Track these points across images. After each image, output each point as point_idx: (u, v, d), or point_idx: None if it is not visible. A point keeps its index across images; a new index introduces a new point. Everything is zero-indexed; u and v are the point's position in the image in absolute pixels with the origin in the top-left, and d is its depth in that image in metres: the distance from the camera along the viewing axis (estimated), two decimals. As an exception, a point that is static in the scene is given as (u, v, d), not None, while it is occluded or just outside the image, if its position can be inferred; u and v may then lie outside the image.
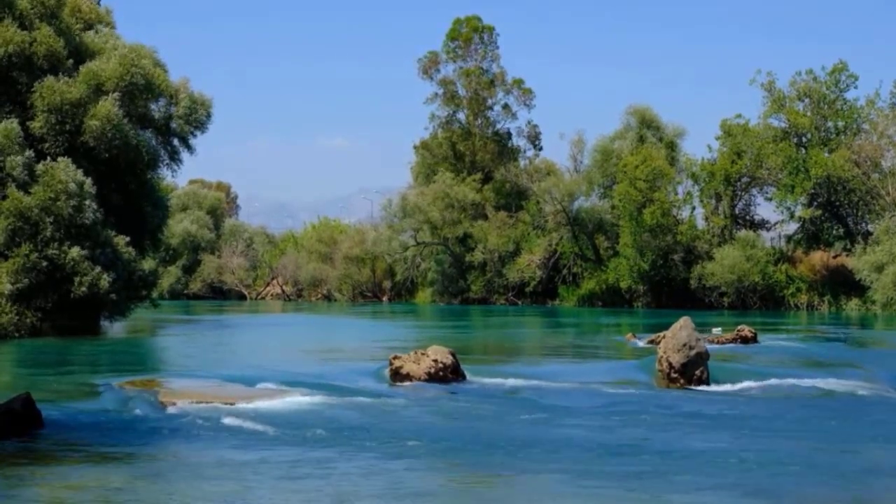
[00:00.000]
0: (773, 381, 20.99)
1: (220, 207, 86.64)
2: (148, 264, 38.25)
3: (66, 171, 30.67)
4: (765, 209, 61.11)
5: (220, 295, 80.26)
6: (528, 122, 72.77)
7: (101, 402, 17.16)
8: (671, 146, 62.86)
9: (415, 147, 74.51)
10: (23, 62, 32.44)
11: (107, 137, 32.77)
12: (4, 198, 29.95)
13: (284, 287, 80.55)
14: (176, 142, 37.51)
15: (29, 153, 30.90)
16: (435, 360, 20.35)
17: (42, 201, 30.06)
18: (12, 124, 30.79)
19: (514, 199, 69.08)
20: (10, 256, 29.93)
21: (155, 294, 41.00)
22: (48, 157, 31.55)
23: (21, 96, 32.94)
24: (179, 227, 77.52)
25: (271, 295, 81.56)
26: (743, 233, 57.26)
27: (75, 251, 30.58)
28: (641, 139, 62.72)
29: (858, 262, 49.44)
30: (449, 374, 20.36)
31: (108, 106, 32.60)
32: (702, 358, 20.64)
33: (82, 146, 32.89)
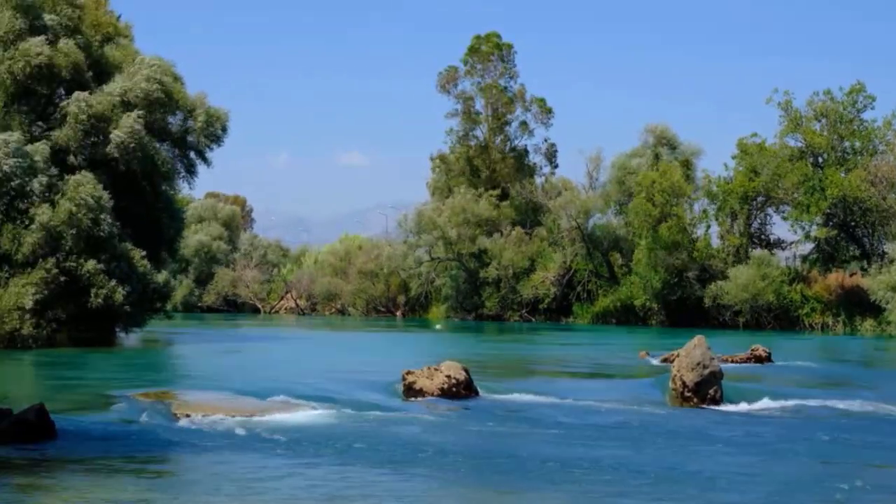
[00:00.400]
0: (788, 401, 20.88)
1: (235, 220, 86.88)
2: (162, 276, 38.43)
3: (87, 185, 30.94)
4: (780, 228, 60.95)
5: (233, 308, 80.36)
6: (545, 140, 72.93)
7: (115, 413, 17.21)
8: (687, 165, 62.79)
9: (431, 159, 74.70)
10: (46, 75, 32.76)
11: (129, 150, 33.07)
12: (26, 213, 30.18)
13: (298, 301, 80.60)
14: (192, 155, 37.76)
15: (54, 171, 31.20)
16: (448, 376, 20.35)
17: (66, 215, 30.33)
18: (43, 146, 31.18)
19: (529, 216, 69.05)
20: (34, 267, 30.18)
21: (168, 306, 41.14)
22: (70, 169, 31.87)
23: (44, 109, 33.28)
24: (194, 239, 77.75)
25: (285, 309, 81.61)
26: (758, 252, 57.03)
27: (91, 264, 30.79)
28: (657, 157, 62.78)
29: (873, 283, 49.19)
30: (462, 390, 20.35)
31: (131, 122, 32.89)
32: (716, 377, 20.56)
33: (103, 158, 33.17)
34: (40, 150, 30.90)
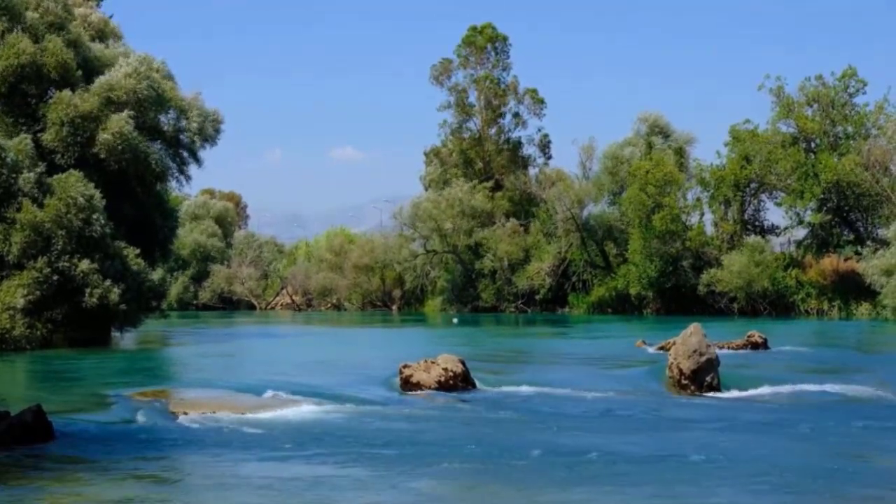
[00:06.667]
0: (784, 387, 20.94)
1: (229, 217, 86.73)
2: (157, 275, 38.28)
3: (76, 185, 30.74)
4: (774, 214, 60.98)
5: (229, 305, 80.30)
6: (539, 131, 72.85)
7: (112, 413, 17.20)
8: (680, 152, 62.79)
9: (425, 154, 74.64)
10: (33, 74, 32.52)
11: (118, 150, 32.89)
12: (19, 210, 29.98)
13: (294, 297, 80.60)
14: (185, 154, 37.59)
15: (41, 168, 30.91)
16: (445, 369, 20.36)
17: (54, 214, 30.10)
18: (25, 140, 30.88)
19: (523, 207, 69.06)
20: (24, 268, 29.99)
21: (164, 305, 41.02)
22: (59, 169, 31.64)
23: (31, 108, 33.05)
24: (189, 237, 77.64)
25: (281, 305, 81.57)
26: (752, 238, 57.07)
27: (85, 264, 30.62)
28: (650, 146, 62.75)
29: (868, 267, 49.25)
30: (459, 383, 20.37)
31: (121, 122, 32.72)
32: (712, 364, 20.61)
33: (93, 158, 32.99)
34: (23, 146, 30.57)
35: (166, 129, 36.59)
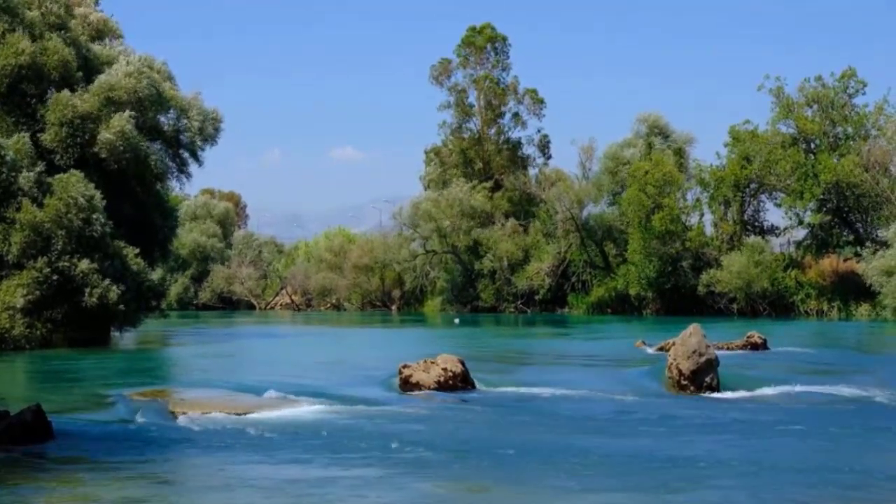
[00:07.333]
0: (784, 387, 20.92)
1: (229, 218, 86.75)
2: (157, 275, 38.28)
3: (77, 185, 30.73)
4: (774, 215, 60.99)
5: (229, 305, 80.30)
6: (538, 131, 72.86)
7: (111, 413, 17.20)
8: (680, 153, 62.81)
9: (425, 153, 74.68)
10: (33, 74, 32.51)
11: (118, 150, 32.89)
12: (18, 210, 29.96)
13: (294, 297, 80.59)
14: (185, 154, 37.62)
15: (40, 167, 30.89)
16: (444, 369, 20.35)
17: (54, 214, 30.09)
18: (24, 138, 30.82)
19: (523, 207, 69.08)
20: (24, 268, 29.98)
21: (163, 304, 41.05)
22: (59, 169, 31.63)
23: (31, 108, 33.04)
24: (189, 237, 77.64)
25: (280, 305, 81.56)
26: (751, 239, 57.08)
27: (84, 263, 30.61)
28: (650, 146, 62.78)
29: (867, 268, 49.28)
30: (458, 383, 20.35)
31: (122, 122, 32.72)
32: (711, 365, 20.59)
33: (93, 158, 33.00)
34: (21, 145, 30.50)
35: (166, 129, 36.63)
